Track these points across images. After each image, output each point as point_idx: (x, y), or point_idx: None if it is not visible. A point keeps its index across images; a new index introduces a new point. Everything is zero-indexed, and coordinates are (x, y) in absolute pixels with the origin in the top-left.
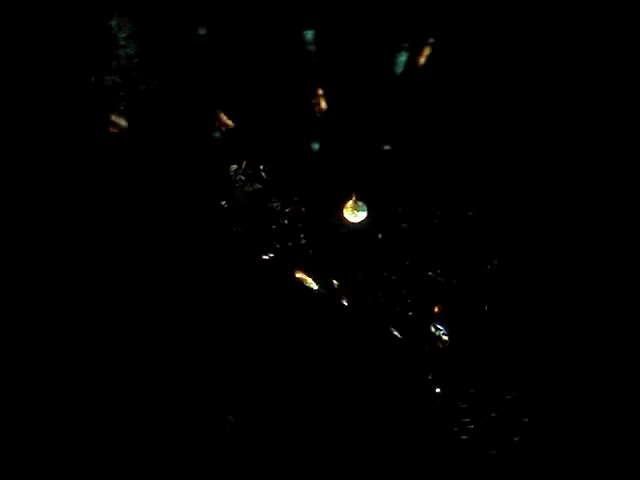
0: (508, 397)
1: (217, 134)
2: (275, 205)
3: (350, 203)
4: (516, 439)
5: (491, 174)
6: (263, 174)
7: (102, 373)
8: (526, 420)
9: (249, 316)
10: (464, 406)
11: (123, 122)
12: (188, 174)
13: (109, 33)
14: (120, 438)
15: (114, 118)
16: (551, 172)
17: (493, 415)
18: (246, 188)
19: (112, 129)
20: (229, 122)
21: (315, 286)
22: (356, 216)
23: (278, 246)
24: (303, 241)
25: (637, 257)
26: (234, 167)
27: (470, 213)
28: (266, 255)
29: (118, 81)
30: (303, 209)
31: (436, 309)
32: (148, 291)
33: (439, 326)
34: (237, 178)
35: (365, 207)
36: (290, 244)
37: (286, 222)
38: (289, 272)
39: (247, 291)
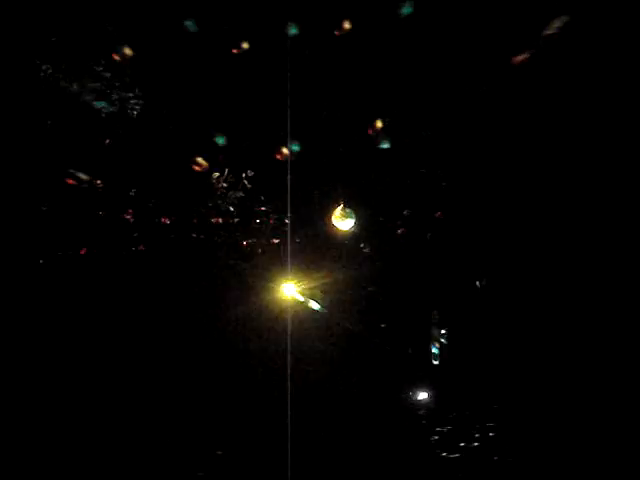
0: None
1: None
2: (259, 213)
3: (338, 210)
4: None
5: (484, 181)
6: (245, 182)
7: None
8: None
9: (230, 327)
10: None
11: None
12: (169, 182)
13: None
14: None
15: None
16: (544, 179)
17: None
18: (229, 195)
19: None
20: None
21: (301, 297)
22: (344, 223)
23: (262, 255)
24: (289, 249)
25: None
26: (216, 175)
27: (462, 218)
28: (249, 264)
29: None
30: (289, 217)
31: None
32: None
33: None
34: (219, 186)
35: (353, 214)
36: (275, 253)
37: (271, 230)
38: (273, 282)
39: (228, 301)
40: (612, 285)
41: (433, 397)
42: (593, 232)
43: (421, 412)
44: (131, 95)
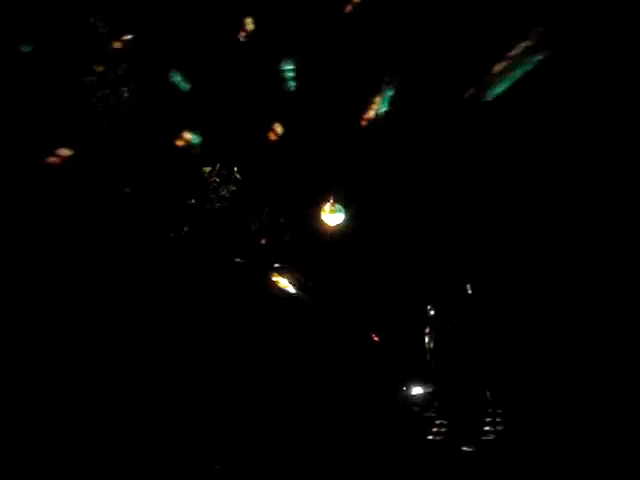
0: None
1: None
2: (250, 207)
3: (327, 205)
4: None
5: (476, 176)
6: (237, 176)
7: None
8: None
9: (224, 320)
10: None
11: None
12: (162, 177)
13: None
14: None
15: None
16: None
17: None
18: (220, 190)
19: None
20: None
21: (292, 289)
22: (334, 218)
23: (254, 248)
24: (279, 243)
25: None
26: (208, 169)
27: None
28: (241, 257)
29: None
30: (279, 211)
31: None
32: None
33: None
34: (211, 180)
35: (343, 209)
36: (266, 246)
37: (261, 224)
38: (265, 275)
39: (222, 294)
40: (610, 283)
41: (428, 392)
42: (590, 230)
43: (415, 407)
44: (124, 89)
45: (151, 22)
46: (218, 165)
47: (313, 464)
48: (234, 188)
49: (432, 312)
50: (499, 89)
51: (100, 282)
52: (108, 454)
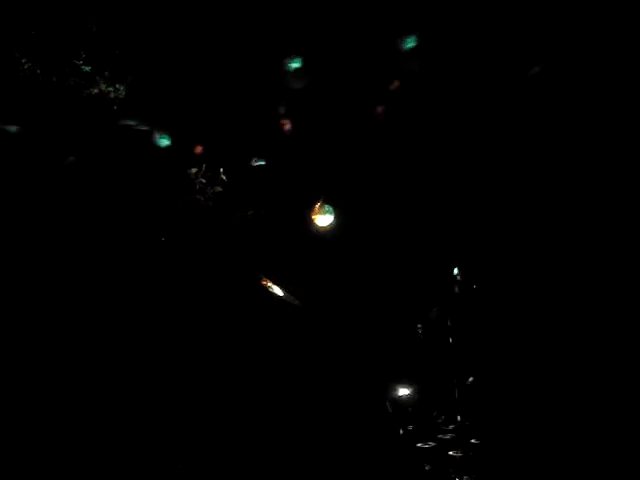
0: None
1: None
2: (238, 209)
3: (317, 206)
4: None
5: (466, 177)
6: (223, 177)
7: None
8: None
9: (212, 324)
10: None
11: None
12: (148, 179)
13: None
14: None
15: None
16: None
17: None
18: (207, 191)
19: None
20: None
21: (280, 292)
22: (323, 219)
23: (242, 251)
24: (268, 246)
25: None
26: (193, 170)
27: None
28: (230, 260)
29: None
30: (268, 213)
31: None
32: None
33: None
34: (197, 181)
35: (332, 210)
36: (254, 249)
37: (250, 226)
38: (253, 278)
39: (211, 298)
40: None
41: (415, 393)
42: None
43: (403, 408)
44: (111, 89)
45: (138, 24)
46: (204, 166)
47: (303, 464)
48: (220, 189)
49: (424, 311)
50: None
51: (85, 285)
52: (108, 454)
